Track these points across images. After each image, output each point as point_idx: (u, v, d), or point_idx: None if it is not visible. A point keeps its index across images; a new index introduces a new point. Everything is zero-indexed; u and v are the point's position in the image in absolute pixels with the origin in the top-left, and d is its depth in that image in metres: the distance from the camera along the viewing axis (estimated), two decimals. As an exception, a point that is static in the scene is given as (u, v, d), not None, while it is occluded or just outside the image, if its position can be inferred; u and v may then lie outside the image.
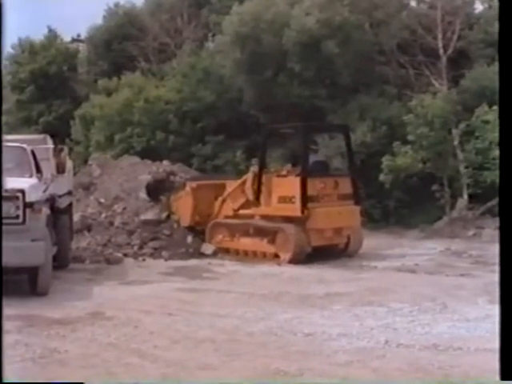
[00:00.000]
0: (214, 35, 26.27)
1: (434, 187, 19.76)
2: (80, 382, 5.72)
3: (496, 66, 20.30)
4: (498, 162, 18.23)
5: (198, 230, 15.47)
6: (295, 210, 13.82)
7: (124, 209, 15.95)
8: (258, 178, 14.66)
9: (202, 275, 12.40)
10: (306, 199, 13.74)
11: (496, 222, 18.61)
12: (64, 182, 12.80)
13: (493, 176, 18.53)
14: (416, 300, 9.25)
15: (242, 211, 15.03)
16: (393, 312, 8.55)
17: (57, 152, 12.22)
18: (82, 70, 29.76)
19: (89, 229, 15.41)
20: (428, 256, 14.22)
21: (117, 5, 30.08)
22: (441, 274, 11.77)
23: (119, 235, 15.15)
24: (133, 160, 18.79)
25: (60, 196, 12.19)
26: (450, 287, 10.33)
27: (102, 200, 16.41)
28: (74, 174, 15.99)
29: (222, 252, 14.83)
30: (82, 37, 31.45)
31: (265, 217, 14.54)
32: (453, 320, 8.02)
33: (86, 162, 21.31)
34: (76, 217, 15.02)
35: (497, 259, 13.45)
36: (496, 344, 6.63)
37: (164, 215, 15.69)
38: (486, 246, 15.80)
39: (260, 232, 14.51)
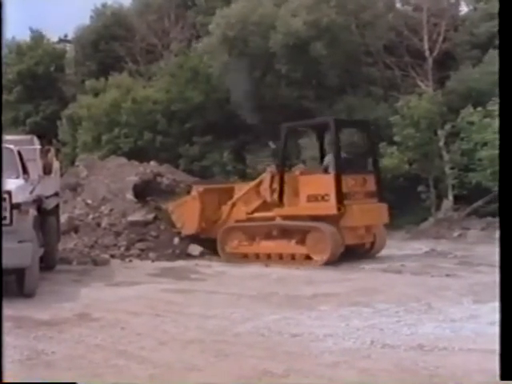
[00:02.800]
0: (200, 36, 26.31)
1: (420, 188, 19.89)
2: (73, 382, 5.76)
3: (481, 68, 20.47)
4: (483, 163, 18.41)
5: (202, 238, 15.13)
6: (330, 207, 13.52)
7: (111, 210, 15.95)
8: (280, 178, 14.20)
9: (189, 276, 12.42)
10: (341, 196, 13.48)
11: (481, 222, 18.81)
12: (51, 183, 12.78)
13: (478, 177, 18.71)
14: (402, 300, 9.26)
15: (258, 214, 14.59)
16: (379, 312, 8.56)
17: (44, 153, 12.23)
18: (69, 71, 29.77)
19: (76, 230, 15.42)
20: (414, 257, 14.32)
21: (104, 5, 30.12)
22: (426, 275, 11.78)
23: (106, 236, 15.17)
24: (120, 161, 18.80)
25: (47, 197, 12.18)
26: (436, 288, 10.35)
27: (89, 201, 16.41)
28: (61, 175, 15.98)
29: (238, 258, 14.33)
30: (70, 37, 31.42)
31: (288, 217, 14.13)
32: (438, 320, 8.03)
33: (73, 162, 21.33)
34: (63, 218, 15.01)
35: (481, 260, 13.61)
36: (480, 344, 6.75)
37: (151, 216, 15.67)
38: (471, 246, 15.97)
39: (286, 233, 14.13)
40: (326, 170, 14.25)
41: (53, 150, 13.31)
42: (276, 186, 14.31)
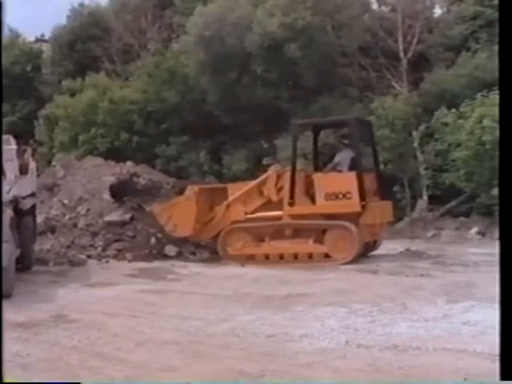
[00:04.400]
0: (177, 36, 26.31)
1: (395, 188, 20.03)
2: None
3: (454, 70, 20.69)
4: (456, 163, 18.61)
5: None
6: (353, 205, 13.51)
7: (88, 210, 15.91)
8: (291, 177, 13.99)
9: (165, 277, 12.44)
10: (364, 194, 13.53)
11: (454, 222, 19.02)
12: (27, 184, 12.73)
13: (451, 178, 18.92)
14: (376, 300, 9.33)
15: (262, 214, 14.30)
16: (354, 313, 8.62)
17: (20, 153, 12.18)
18: (46, 71, 29.61)
19: (52, 230, 15.36)
20: (389, 257, 14.39)
21: (81, 4, 29.99)
22: (401, 275, 11.88)
23: (83, 237, 15.12)
24: (96, 161, 18.77)
25: (23, 197, 12.13)
26: (410, 288, 10.43)
27: (66, 201, 16.36)
28: (38, 175, 15.88)
29: (243, 260, 14.02)
30: (46, 37, 31.27)
31: (299, 216, 14.00)
32: (412, 320, 8.09)
33: (49, 162, 21.26)
34: (40, 218, 14.94)
35: (455, 260, 13.74)
36: (453, 344, 6.85)
37: (128, 217, 15.64)
38: (445, 246, 16.13)
39: (299, 233, 14.07)
40: (334, 169, 14.42)
41: (29, 150, 13.24)
42: (283, 184, 14.15)
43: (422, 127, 20.30)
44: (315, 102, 21.68)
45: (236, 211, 14.47)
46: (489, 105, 17.76)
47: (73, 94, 26.25)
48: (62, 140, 25.36)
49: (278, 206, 14.22)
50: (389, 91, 21.37)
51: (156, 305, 9.51)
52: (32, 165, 13.49)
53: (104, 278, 12.03)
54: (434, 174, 20.09)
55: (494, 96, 18.00)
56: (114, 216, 15.60)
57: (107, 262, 14.10)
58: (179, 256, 14.73)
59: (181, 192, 15.50)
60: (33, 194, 13.76)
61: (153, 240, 15.12)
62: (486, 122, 17.29)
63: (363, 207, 13.48)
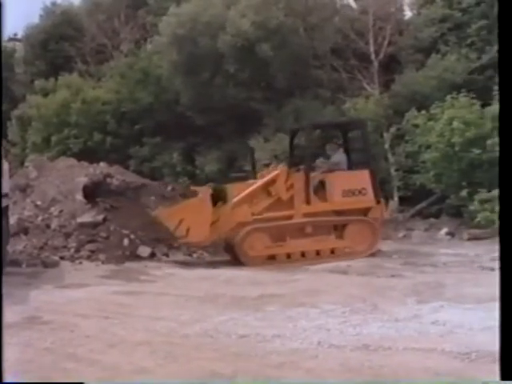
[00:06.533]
0: (150, 36, 26.29)
1: (367, 189, 20.13)
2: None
3: (424, 71, 20.90)
4: (426, 165, 18.81)
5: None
6: (369, 200, 14.40)
7: (61, 211, 15.84)
8: (305, 176, 14.29)
9: (138, 278, 12.41)
10: (377, 190, 14.51)
11: (424, 224, 19.22)
12: (-1, 185, 12.65)
13: (421, 179, 19.13)
14: (348, 301, 9.38)
15: (272, 214, 14.23)
16: (325, 313, 8.67)
17: (-8, 154, 12.11)
18: (18, 70, 29.41)
19: (25, 232, 15.27)
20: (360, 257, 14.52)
21: (54, 3, 29.82)
22: (372, 275, 11.99)
23: (56, 238, 15.05)
24: (70, 162, 18.68)
25: (-5, 199, 12.07)
26: (381, 288, 10.51)
27: (39, 202, 16.29)
28: (11, 176, 15.79)
29: (263, 261, 13.97)
30: (19, 36, 31.07)
31: (312, 214, 14.32)
32: (383, 320, 8.16)
33: (22, 163, 21.11)
34: (12, 219, 14.85)
35: (425, 260, 13.88)
36: (423, 343, 6.95)
37: (101, 218, 15.58)
38: (416, 247, 16.26)
39: (319, 229, 14.40)
40: (331, 169, 14.80)
41: (2, 151, 13.18)
42: (292, 183, 14.32)
43: (392, 129, 20.49)
44: (288, 103, 21.78)
45: (242, 212, 14.17)
46: (458, 107, 17.98)
47: (46, 94, 26.13)
48: (34, 141, 25.26)
49: (287, 205, 14.34)
50: (360, 93, 21.52)
51: (129, 306, 9.50)
52: (5, 166, 13.42)
53: (77, 280, 11.97)
54: (405, 175, 20.28)
55: (463, 98, 18.23)
56: (87, 217, 15.54)
57: (80, 263, 14.04)
58: (152, 257, 14.70)
59: (189, 194, 14.87)
60: (5, 195, 13.70)
61: (126, 241, 15.07)
62: (455, 123, 17.50)
63: (378, 202, 14.47)
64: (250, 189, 14.37)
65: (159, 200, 15.40)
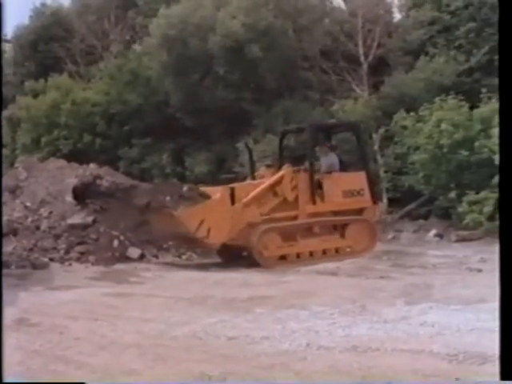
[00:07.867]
0: (140, 38, 26.27)
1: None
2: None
3: (413, 74, 20.98)
4: (415, 166, 18.87)
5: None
6: (366, 201, 14.95)
7: (50, 213, 15.83)
8: (310, 177, 14.50)
9: (128, 279, 12.43)
10: (373, 190, 15.13)
11: (413, 225, 19.28)
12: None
13: (410, 180, 19.18)
14: (337, 302, 9.41)
15: (280, 214, 14.25)
16: (314, 315, 8.68)
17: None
18: (8, 71, 29.30)
19: (15, 233, 15.24)
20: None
21: (44, 4, 29.73)
22: (361, 277, 12.02)
23: (45, 239, 15.03)
24: (59, 163, 18.65)
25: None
26: (370, 289, 10.56)
27: (29, 204, 16.26)
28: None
29: (275, 261, 14.01)
30: (8, 37, 30.95)
31: (315, 214, 14.59)
32: (371, 322, 8.18)
33: (12, 164, 21.05)
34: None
35: (414, 262, 13.91)
36: (411, 345, 6.98)
37: (90, 219, 15.56)
38: (405, 248, 16.30)
39: (325, 229, 14.77)
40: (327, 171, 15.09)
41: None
42: (297, 183, 14.46)
43: (381, 130, 20.54)
44: (277, 105, 21.81)
45: (251, 213, 13.98)
46: (447, 109, 18.04)
47: (35, 95, 26.09)
48: (24, 142, 25.24)
49: (291, 205, 14.42)
50: (349, 94, 21.56)
51: (118, 308, 9.50)
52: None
53: (66, 281, 11.98)
54: (394, 176, 20.32)
55: (452, 100, 18.29)
56: (77, 218, 15.53)
57: (70, 264, 14.04)
58: (142, 259, 14.71)
59: (207, 194, 14.21)
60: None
61: (116, 243, 15.08)
62: (443, 125, 17.56)
63: (375, 202, 15.07)
64: (259, 189, 14.25)
65: (176, 200, 14.51)
